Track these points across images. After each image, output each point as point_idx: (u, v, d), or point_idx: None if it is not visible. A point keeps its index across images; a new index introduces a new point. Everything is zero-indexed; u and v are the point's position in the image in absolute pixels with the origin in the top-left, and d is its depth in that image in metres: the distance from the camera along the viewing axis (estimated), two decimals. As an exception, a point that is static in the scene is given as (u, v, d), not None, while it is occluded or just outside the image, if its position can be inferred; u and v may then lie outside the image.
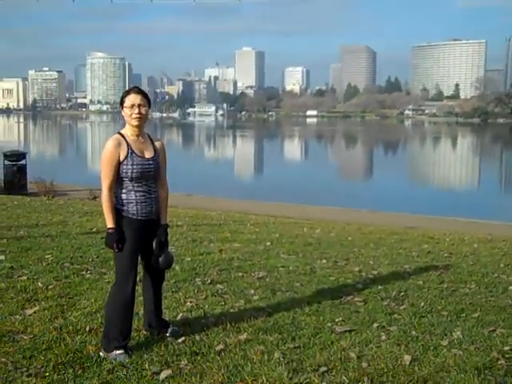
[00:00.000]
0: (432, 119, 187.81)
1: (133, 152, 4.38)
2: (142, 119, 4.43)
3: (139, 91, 4.48)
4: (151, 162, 4.46)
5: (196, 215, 13.77)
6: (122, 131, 4.48)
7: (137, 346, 4.52)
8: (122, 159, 4.34)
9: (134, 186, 4.41)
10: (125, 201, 4.40)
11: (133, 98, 4.40)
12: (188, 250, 8.54)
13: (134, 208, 4.41)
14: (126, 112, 4.41)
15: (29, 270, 6.75)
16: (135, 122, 4.41)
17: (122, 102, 4.45)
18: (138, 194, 4.42)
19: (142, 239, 4.47)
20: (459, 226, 15.00)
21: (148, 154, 4.47)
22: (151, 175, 4.48)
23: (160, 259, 4.57)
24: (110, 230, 4.33)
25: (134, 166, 4.36)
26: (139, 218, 4.42)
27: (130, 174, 4.35)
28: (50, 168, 27.84)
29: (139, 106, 4.40)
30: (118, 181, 4.37)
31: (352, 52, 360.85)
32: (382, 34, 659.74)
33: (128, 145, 4.38)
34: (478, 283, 7.03)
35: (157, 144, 4.59)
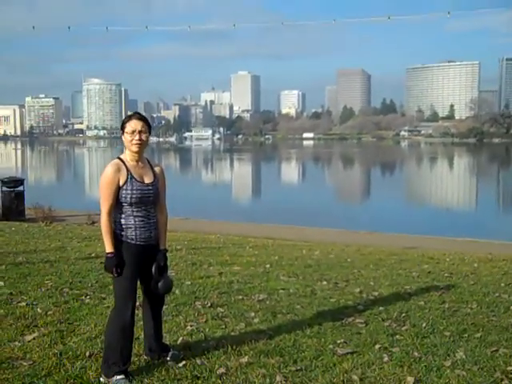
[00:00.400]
0: (428, 140, 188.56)
1: (132, 177, 4.39)
2: (142, 145, 4.45)
3: (141, 117, 4.50)
4: (150, 188, 4.47)
5: (195, 239, 13.74)
6: (122, 156, 4.49)
7: (137, 370, 4.48)
8: (121, 184, 4.35)
9: (132, 211, 4.41)
10: (124, 226, 4.39)
11: (134, 125, 4.42)
12: (188, 273, 8.52)
13: (133, 233, 4.41)
14: (126, 138, 4.42)
15: (28, 296, 6.72)
16: (135, 148, 4.43)
17: (122, 128, 4.47)
18: (136, 219, 4.42)
19: (141, 264, 4.46)
20: (458, 246, 14.97)
21: (147, 180, 4.48)
22: (150, 200, 4.49)
23: (159, 284, 4.55)
24: (109, 255, 4.33)
25: (134, 192, 4.37)
26: (138, 242, 4.42)
27: (129, 199, 4.36)
28: (47, 194, 27.78)
29: (140, 132, 4.42)
30: (116, 206, 4.38)
31: (347, 75, 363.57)
32: (377, 57, 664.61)
33: (127, 170, 4.39)
34: (479, 303, 7.00)
35: (156, 169, 4.61)
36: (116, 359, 4.32)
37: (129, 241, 4.39)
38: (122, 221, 4.40)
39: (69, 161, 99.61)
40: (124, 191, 4.35)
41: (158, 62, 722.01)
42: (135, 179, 4.40)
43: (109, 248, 4.33)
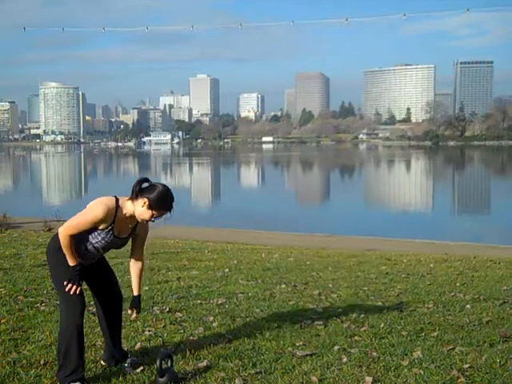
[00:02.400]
0: (386, 143, 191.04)
1: (111, 230, 4.29)
2: None
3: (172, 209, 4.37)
4: (119, 241, 4.42)
5: (153, 244, 13.60)
6: (120, 203, 4.30)
7: (94, 377, 4.42)
8: (99, 227, 4.25)
9: (89, 245, 4.34)
10: (75, 247, 4.29)
11: (165, 213, 4.31)
12: (145, 278, 8.40)
13: (79, 257, 4.33)
14: (149, 212, 4.25)
15: (-19, 305, 6.57)
16: (144, 221, 4.36)
17: (155, 203, 4.24)
18: (89, 250, 4.37)
19: (83, 272, 4.39)
20: (416, 247, 15.16)
21: (123, 234, 4.41)
22: (111, 248, 4.47)
23: (161, 380, 4.31)
24: (76, 267, 4.24)
25: (103, 241, 4.31)
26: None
27: (94, 242, 4.31)
28: (2, 200, 27.30)
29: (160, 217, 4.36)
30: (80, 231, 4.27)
31: (306, 78, 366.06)
32: (335, 60, 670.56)
33: (113, 221, 4.26)
34: (435, 302, 7.10)
35: (140, 223, 4.47)
36: (73, 367, 4.23)
37: None
38: (75, 244, 4.26)
39: (25, 167, 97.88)
40: (96, 234, 4.28)
41: (116, 65, 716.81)
42: (113, 233, 4.31)
43: (74, 261, 4.24)
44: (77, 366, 4.25)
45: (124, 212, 4.29)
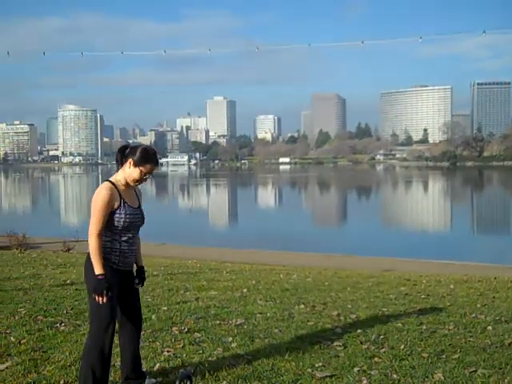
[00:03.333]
0: (403, 163, 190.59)
1: (125, 202, 4.41)
2: None
3: (158, 162, 4.57)
4: (138, 212, 4.53)
5: (171, 264, 13.64)
6: (113, 180, 4.48)
7: (113, 398, 4.40)
8: (115, 208, 4.36)
9: (120, 236, 4.42)
10: (107, 249, 4.37)
11: (152, 168, 4.48)
12: (164, 299, 8.44)
13: (117, 258, 4.41)
14: (136, 171, 4.43)
15: (1, 325, 6.60)
16: (137, 183, 4.52)
17: (139, 160, 4.44)
18: (122, 245, 4.43)
19: (118, 289, 4.41)
20: (435, 268, 15.03)
21: (135, 204, 4.54)
22: (138, 225, 4.54)
23: None
24: (100, 277, 4.27)
25: (127, 216, 4.39)
26: (119, 267, 4.41)
27: (122, 223, 4.38)
28: (22, 221, 27.52)
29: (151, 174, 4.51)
30: (104, 230, 4.35)
31: (322, 99, 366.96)
32: (351, 82, 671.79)
33: (120, 195, 4.40)
34: (456, 324, 7.01)
35: (137, 191, 4.67)
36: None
37: (110, 265, 4.37)
38: (108, 244, 4.38)
39: (44, 188, 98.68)
40: (118, 215, 4.37)
41: (134, 88, 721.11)
42: (127, 204, 4.43)
43: (100, 270, 4.28)
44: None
45: (121, 184, 4.47)
